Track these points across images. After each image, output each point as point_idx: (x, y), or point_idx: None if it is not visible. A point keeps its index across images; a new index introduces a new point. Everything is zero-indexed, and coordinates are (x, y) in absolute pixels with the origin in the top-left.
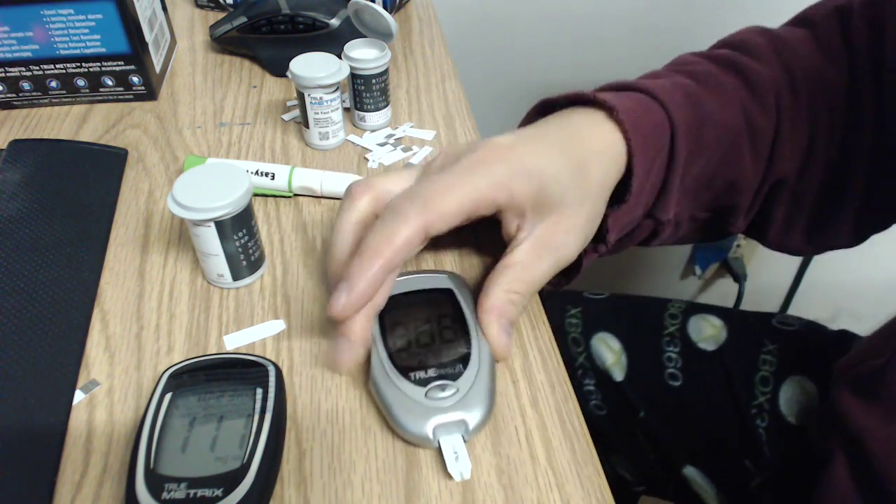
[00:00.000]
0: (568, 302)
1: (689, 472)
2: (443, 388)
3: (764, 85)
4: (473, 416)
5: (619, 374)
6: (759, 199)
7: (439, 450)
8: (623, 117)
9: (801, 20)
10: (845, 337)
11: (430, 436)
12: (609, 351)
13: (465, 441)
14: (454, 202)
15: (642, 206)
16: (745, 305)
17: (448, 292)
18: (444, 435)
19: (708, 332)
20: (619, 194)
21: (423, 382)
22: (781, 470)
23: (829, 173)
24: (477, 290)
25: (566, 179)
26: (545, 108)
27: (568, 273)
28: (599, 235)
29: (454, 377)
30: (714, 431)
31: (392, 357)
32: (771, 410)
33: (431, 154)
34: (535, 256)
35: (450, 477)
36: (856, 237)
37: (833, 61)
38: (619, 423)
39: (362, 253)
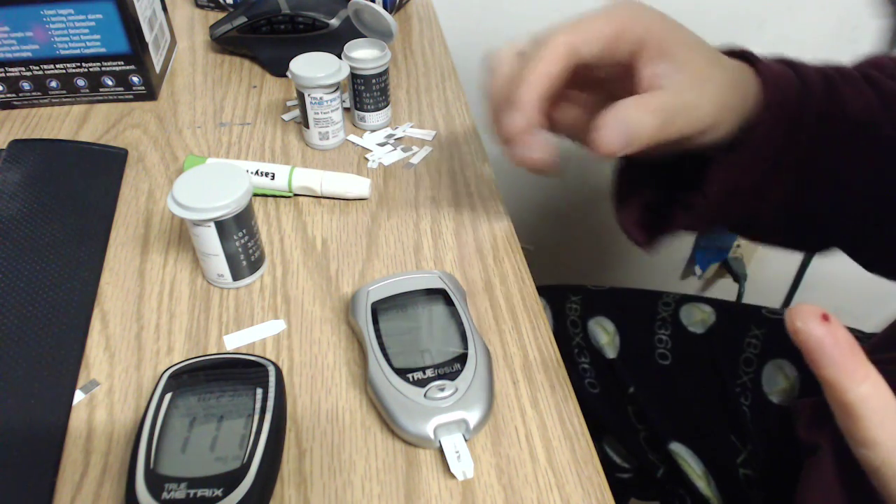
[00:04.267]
0: (570, 291)
1: (676, 447)
2: (442, 388)
3: (893, 98)
4: (473, 415)
5: (611, 353)
6: (864, 215)
7: (440, 450)
8: (763, 72)
9: None
10: None
11: (432, 436)
12: (604, 332)
13: (466, 440)
14: (598, 26)
15: (752, 169)
16: None
17: (441, 292)
18: (446, 435)
19: (698, 317)
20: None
21: (421, 383)
22: (765, 447)
23: None
24: (473, 290)
25: (697, 53)
26: None
27: (643, 232)
28: (697, 185)
29: (452, 376)
30: (701, 408)
31: (389, 359)
32: (754, 389)
33: (431, 154)
34: (679, 87)
35: (452, 476)
36: None
37: None
38: (610, 399)
39: (520, 78)
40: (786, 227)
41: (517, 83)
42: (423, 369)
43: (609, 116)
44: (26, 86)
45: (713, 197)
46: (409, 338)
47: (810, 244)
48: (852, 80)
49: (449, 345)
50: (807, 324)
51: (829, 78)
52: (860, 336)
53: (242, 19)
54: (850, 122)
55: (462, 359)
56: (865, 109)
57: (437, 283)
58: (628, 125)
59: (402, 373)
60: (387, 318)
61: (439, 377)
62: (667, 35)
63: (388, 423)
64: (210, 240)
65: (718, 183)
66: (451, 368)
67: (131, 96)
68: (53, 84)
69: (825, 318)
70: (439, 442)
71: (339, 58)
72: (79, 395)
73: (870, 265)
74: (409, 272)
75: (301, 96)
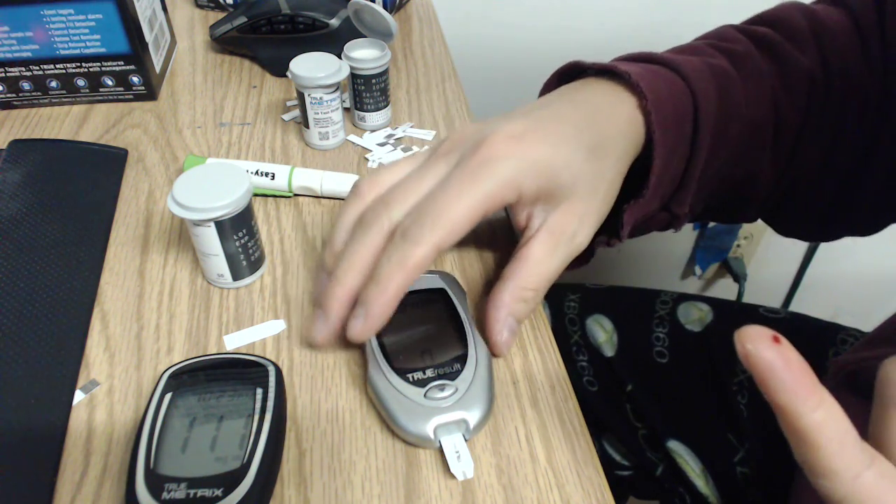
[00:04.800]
0: (568, 289)
1: (675, 445)
2: (442, 387)
3: (799, 76)
4: (474, 415)
5: (609, 351)
6: (775, 193)
7: (441, 450)
8: (652, 107)
9: (834, 1)
10: (833, 328)
11: (432, 436)
12: (602, 330)
13: (466, 440)
14: (462, 215)
15: (658, 199)
16: None
17: (441, 292)
18: (446, 435)
19: (695, 316)
20: (636, 187)
21: (421, 383)
22: (762, 445)
23: (851, 167)
24: (473, 290)
25: (579, 166)
26: (571, 71)
27: (577, 260)
28: (613, 229)
29: (452, 376)
30: (698, 406)
31: (389, 359)
32: (750, 388)
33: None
34: (549, 249)
35: (452, 477)
36: (873, 226)
37: (869, 51)
38: (609, 397)
39: (378, 279)
40: (702, 215)
41: (372, 295)
42: (423, 369)
43: (494, 324)
44: (26, 86)
45: (630, 231)
46: (410, 338)
47: (729, 221)
48: (747, 68)
49: (449, 345)
50: (757, 346)
51: (724, 81)
52: (859, 336)
53: (242, 19)
54: (748, 122)
55: (462, 359)
56: (764, 105)
57: (437, 284)
58: (515, 320)
59: (401, 373)
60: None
61: (439, 377)
62: (542, 182)
63: (387, 423)
64: (210, 240)
65: (630, 221)
66: (451, 368)
67: (131, 96)
68: (53, 84)
69: (776, 339)
70: (439, 442)
71: (339, 58)
72: (79, 395)
73: (785, 231)
74: None
75: (301, 96)
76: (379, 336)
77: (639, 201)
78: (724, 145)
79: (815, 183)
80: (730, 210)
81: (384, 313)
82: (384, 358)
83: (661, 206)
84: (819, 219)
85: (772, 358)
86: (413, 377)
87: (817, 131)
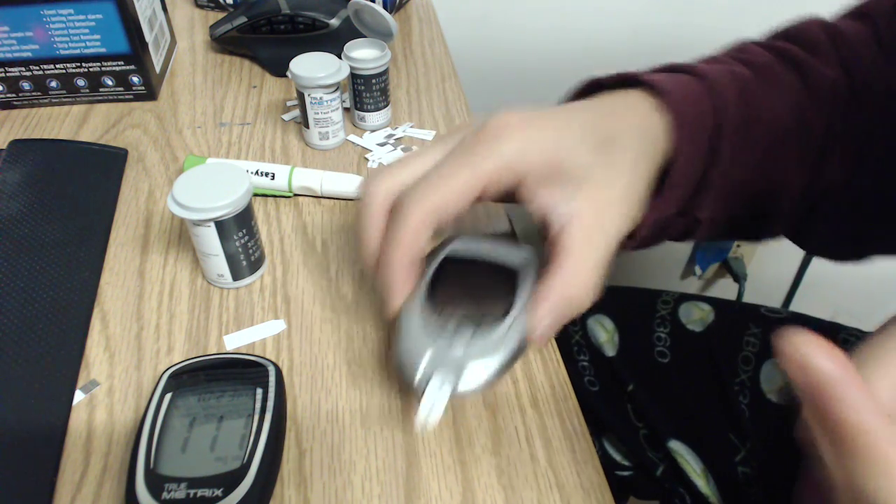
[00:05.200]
0: None
1: (676, 445)
2: (464, 331)
3: (822, 85)
4: (472, 370)
5: (610, 351)
6: (802, 206)
7: (421, 395)
8: (671, 106)
9: (860, 14)
10: (835, 327)
11: (420, 373)
12: (603, 330)
13: (448, 396)
14: (452, 190)
15: (678, 201)
16: None
17: (513, 273)
18: (432, 382)
19: (697, 316)
20: (655, 192)
21: (445, 318)
22: (764, 445)
23: (883, 182)
24: None
25: (586, 154)
26: (591, 88)
27: None
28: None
29: (481, 329)
30: (699, 406)
31: (432, 292)
32: (752, 388)
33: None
34: (586, 241)
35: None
36: None
37: (892, 62)
38: (610, 397)
39: (381, 259)
40: (726, 232)
41: (382, 269)
42: (452, 315)
43: (537, 311)
44: (26, 86)
45: (647, 232)
46: (460, 288)
47: (753, 237)
48: (769, 76)
49: (492, 306)
50: (814, 356)
51: (745, 86)
52: (860, 336)
53: (242, 19)
54: (771, 126)
55: (498, 319)
56: (787, 110)
57: (517, 262)
58: (558, 316)
59: (433, 307)
60: (455, 267)
61: (463, 326)
62: (545, 164)
63: (391, 344)
64: (210, 240)
65: (651, 218)
66: (481, 323)
67: (131, 96)
68: (53, 84)
69: (824, 344)
70: (425, 385)
71: (339, 58)
72: (79, 395)
73: (813, 249)
74: (502, 241)
75: (301, 96)
76: (435, 276)
77: (658, 199)
78: (747, 149)
79: (843, 197)
80: (755, 225)
81: (395, 286)
82: (425, 291)
83: (680, 210)
84: (849, 237)
85: (833, 370)
86: (442, 312)
87: (844, 143)
